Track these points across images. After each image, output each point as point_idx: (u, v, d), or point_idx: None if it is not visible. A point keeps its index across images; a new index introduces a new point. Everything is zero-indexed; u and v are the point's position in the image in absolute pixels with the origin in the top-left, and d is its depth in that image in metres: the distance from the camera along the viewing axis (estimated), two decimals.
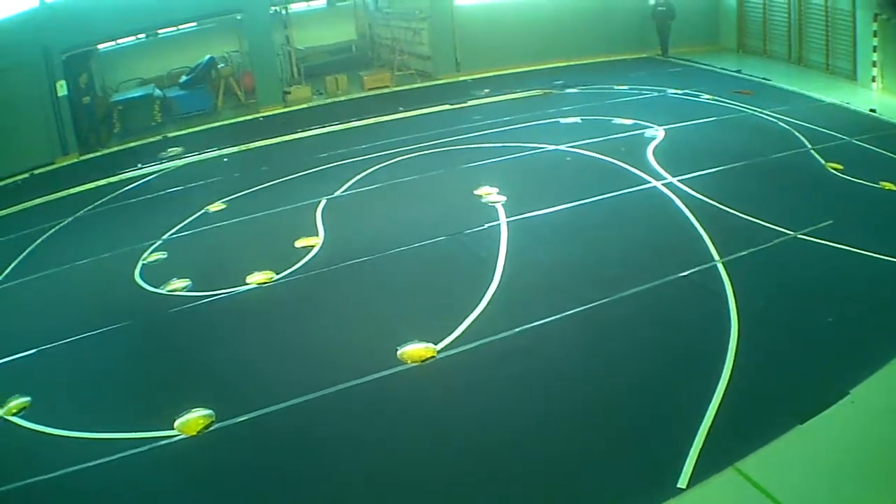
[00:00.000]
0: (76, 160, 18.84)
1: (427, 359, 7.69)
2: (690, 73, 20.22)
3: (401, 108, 18.11)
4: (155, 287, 10.42)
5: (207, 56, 20.81)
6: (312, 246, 10.65)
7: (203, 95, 19.61)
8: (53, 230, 13.86)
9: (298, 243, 10.75)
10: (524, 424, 6.79)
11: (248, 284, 9.85)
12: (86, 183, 16.22)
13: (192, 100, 19.42)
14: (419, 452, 6.59)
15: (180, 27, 21.75)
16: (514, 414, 6.95)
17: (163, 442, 7.25)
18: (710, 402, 6.70)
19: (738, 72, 19.83)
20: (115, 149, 18.74)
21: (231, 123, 18.31)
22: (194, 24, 21.76)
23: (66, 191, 16.06)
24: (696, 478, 5.83)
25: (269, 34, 20.41)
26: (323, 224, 11.37)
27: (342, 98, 19.97)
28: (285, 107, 19.12)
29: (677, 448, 6.15)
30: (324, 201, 12.18)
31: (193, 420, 7.45)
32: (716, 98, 17.01)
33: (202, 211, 12.78)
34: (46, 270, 12.03)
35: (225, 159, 15.65)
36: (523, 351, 7.79)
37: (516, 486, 6.07)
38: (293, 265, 10.16)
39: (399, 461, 6.51)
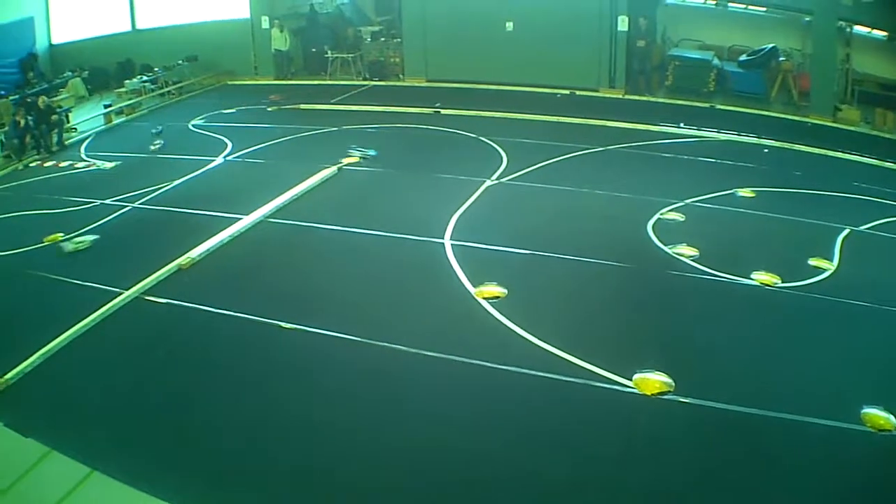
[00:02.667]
0: (619, 96, 20.43)
1: (883, 429, 7.12)
2: None
3: None
4: (663, 244, 10.97)
5: (771, 45, 20.56)
6: (824, 270, 10.27)
7: (758, 80, 19.59)
8: (584, 152, 15.47)
9: (812, 261, 10.45)
10: None
11: (750, 279, 9.89)
12: (623, 121, 17.57)
13: (747, 80, 19.53)
14: None
15: (749, 7, 21.59)
16: None
17: (616, 387, 7.73)
18: None
19: None
20: (661, 100, 19.96)
21: (778, 117, 18.21)
22: (763, 8, 21.50)
23: (605, 122, 17.63)
24: None
25: (834, 45, 19.56)
26: (840, 253, 10.84)
27: (887, 134, 18.64)
28: (833, 121, 18.39)
29: None
30: (847, 230, 11.55)
31: (652, 381, 7.76)
32: None
33: (731, 191, 12.99)
34: (560, 185, 13.46)
35: (765, 150, 15.61)
36: None
37: None
38: (798, 280, 9.95)
39: None
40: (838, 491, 6.44)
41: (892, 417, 7.21)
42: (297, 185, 14.04)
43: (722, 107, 18.87)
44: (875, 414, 7.24)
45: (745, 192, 12.94)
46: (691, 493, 6.45)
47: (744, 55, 20.72)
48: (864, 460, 6.82)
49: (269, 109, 21.43)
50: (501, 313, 9.18)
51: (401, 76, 24.47)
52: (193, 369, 8.73)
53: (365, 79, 24.88)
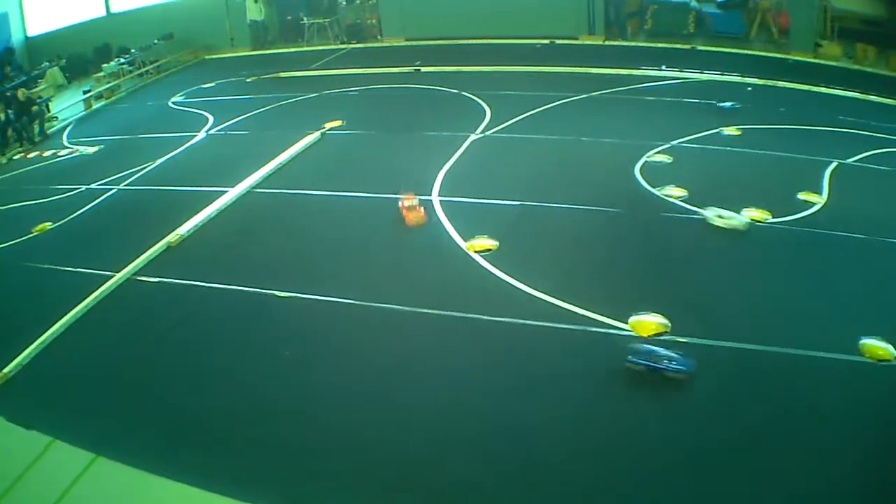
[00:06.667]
0: (600, 43, 20.43)
1: (882, 360, 7.09)
2: None
3: None
4: (651, 186, 10.95)
5: None
6: (813, 203, 10.22)
7: (737, 20, 19.47)
8: (567, 100, 15.37)
9: (801, 195, 10.38)
10: None
11: (741, 216, 9.81)
12: (605, 67, 17.53)
13: (726, 21, 19.42)
14: None
15: None
16: None
17: (612, 331, 7.72)
18: None
19: None
20: (641, 44, 19.95)
21: (759, 55, 18.14)
22: None
23: (587, 69, 17.58)
24: None
25: None
26: (829, 186, 10.75)
27: (868, 68, 18.57)
28: (815, 57, 18.33)
29: None
30: (835, 164, 11.46)
31: (648, 323, 7.75)
32: None
33: (716, 130, 12.94)
34: (545, 134, 13.57)
35: (749, 88, 15.55)
36: None
37: None
38: (790, 215, 9.90)
39: None
40: (841, 421, 6.45)
41: (890, 348, 7.20)
42: (281, 153, 13.93)
43: (703, 48, 18.85)
44: (873, 345, 7.22)
45: (731, 131, 12.93)
46: (692, 427, 6.51)
47: None
48: (865, 391, 6.81)
49: (249, 80, 21.28)
50: (494, 266, 9.19)
51: (379, 37, 24.28)
52: (191, 346, 8.71)
53: (343, 43, 24.69)
